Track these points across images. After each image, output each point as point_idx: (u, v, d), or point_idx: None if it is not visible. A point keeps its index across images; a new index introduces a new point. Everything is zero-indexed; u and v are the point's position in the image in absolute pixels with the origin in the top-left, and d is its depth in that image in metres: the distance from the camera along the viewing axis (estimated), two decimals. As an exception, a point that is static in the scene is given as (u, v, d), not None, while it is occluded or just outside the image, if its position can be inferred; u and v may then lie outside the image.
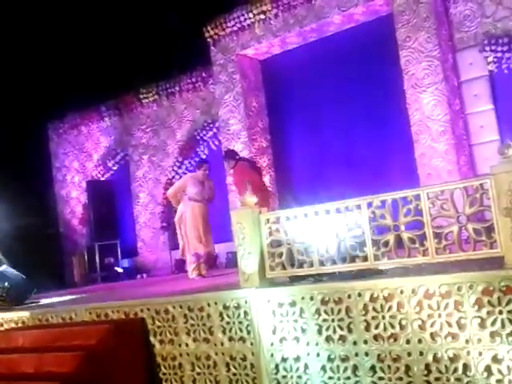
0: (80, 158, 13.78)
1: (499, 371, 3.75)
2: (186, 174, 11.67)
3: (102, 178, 13.30)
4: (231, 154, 8.06)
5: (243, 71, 10.75)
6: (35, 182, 13.11)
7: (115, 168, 13.17)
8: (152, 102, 12.36)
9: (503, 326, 3.73)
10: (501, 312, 3.74)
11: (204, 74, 11.58)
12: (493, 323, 3.77)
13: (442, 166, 8.39)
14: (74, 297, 7.91)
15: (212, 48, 10.96)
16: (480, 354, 3.81)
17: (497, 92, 8.48)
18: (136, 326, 5.46)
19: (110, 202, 12.51)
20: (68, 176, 13.97)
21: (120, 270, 11.91)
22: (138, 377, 5.33)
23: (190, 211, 7.88)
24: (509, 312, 3.71)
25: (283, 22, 10.05)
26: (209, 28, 10.86)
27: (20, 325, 6.44)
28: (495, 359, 3.76)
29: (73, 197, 13.81)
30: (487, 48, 8.38)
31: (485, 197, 3.97)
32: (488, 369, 3.78)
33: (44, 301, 7.64)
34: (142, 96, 12.45)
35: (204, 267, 7.91)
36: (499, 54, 8.28)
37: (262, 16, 10.25)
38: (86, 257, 12.34)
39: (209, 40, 10.94)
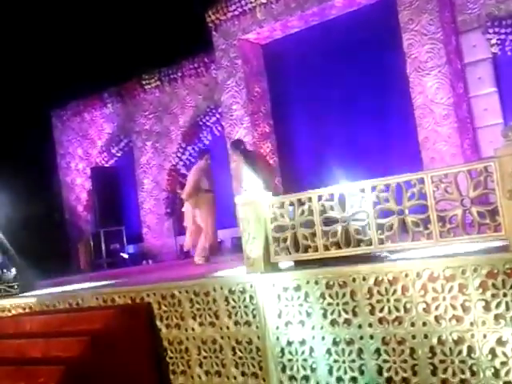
0: (84, 145, 13.79)
1: (504, 354, 3.76)
2: (189, 160, 11.73)
3: (106, 165, 13.32)
4: (235, 145, 8.03)
5: (245, 56, 10.70)
6: (40, 170, 13.14)
7: (119, 154, 13.18)
8: (154, 88, 12.32)
9: (508, 308, 3.74)
10: (505, 295, 3.75)
11: (206, 60, 11.53)
12: (497, 306, 3.78)
13: (446, 149, 8.36)
14: (80, 283, 7.95)
15: (214, 33, 10.90)
16: (484, 336, 3.83)
17: (500, 74, 8.42)
18: (142, 310, 5.50)
19: (114, 188, 12.54)
20: (72, 163, 13.98)
21: (126, 255, 11.97)
22: (144, 361, 5.39)
23: (206, 202, 7.95)
24: (513, 294, 3.73)
25: (284, 5, 9.97)
26: (210, 13, 10.79)
27: (27, 310, 6.50)
28: (500, 342, 3.78)
29: (77, 183, 13.85)
30: (490, 30, 8.31)
31: (489, 180, 3.96)
32: (492, 351, 3.80)
33: (50, 287, 7.69)
34: (144, 82, 12.41)
35: (210, 254, 8.02)
36: (502, 36, 8.21)
37: (264, 0, 10.17)
38: (91, 243, 12.39)
39: (210, 25, 10.88)
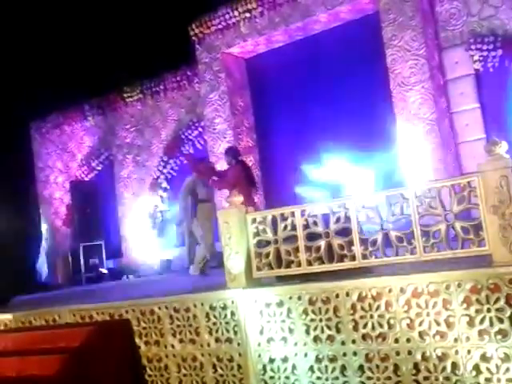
0: (63, 158, 13.61)
1: (488, 370, 3.74)
2: (170, 173, 11.64)
3: (86, 179, 13.15)
4: (234, 153, 7.89)
5: (228, 70, 10.69)
6: (17, 183, 12.89)
7: (99, 168, 13.02)
8: (136, 101, 12.24)
9: (491, 324, 3.72)
10: (489, 310, 3.73)
11: (189, 73, 11.49)
12: (481, 321, 3.76)
13: (428, 164, 8.39)
14: (57, 298, 7.78)
15: (197, 46, 10.88)
16: (468, 352, 3.80)
17: (482, 90, 8.50)
18: (121, 327, 5.39)
19: (94, 202, 12.36)
20: (51, 176, 13.79)
21: (105, 271, 11.77)
22: (123, 379, 5.25)
23: (203, 212, 7.85)
24: (497, 310, 3.71)
25: (268, 20, 10.00)
26: (194, 26, 10.79)
27: (2, 327, 6.32)
28: (484, 358, 3.75)
29: (56, 197, 13.64)
30: (473, 46, 8.40)
31: (472, 195, 3.96)
32: (477, 367, 3.77)
33: (26, 303, 7.52)
34: (126, 95, 12.32)
35: (208, 266, 7.89)
36: (485, 53, 8.29)
37: (248, 14, 10.19)
38: (70, 258, 12.17)
39: (194, 38, 10.87)
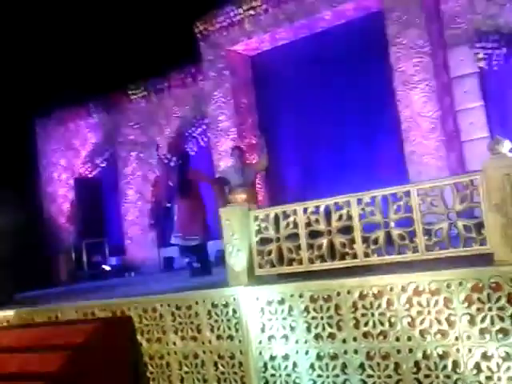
0: (67, 155, 13.63)
1: (489, 368, 3.73)
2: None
3: (90, 175, 13.17)
4: (179, 154, 7.60)
5: (233, 67, 10.67)
6: (21, 180, 12.93)
7: (103, 165, 13.03)
8: (141, 98, 12.22)
9: (492, 322, 3.71)
10: (490, 309, 3.73)
11: (193, 70, 11.46)
12: (482, 320, 3.75)
13: (432, 162, 8.36)
14: (60, 295, 7.80)
15: (201, 44, 10.86)
16: (469, 351, 3.79)
17: (487, 89, 8.45)
18: (123, 324, 5.41)
19: (97, 199, 12.37)
20: (55, 173, 13.80)
21: (107, 268, 11.79)
22: (124, 376, 5.28)
23: None
24: (498, 309, 3.70)
25: (273, 17, 9.97)
26: (198, 24, 10.77)
27: (5, 324, 6.35)
28: (485, 356, 3.75)
29: (60, 194, 13.64)
30: (477, 45, 8.34)
31: (475, 193, 3.95)
32: (477, 366, 3.77)
33: (30, 299, 7.54)
34: (130, 92, 12.31)
35: None
36: (489, 51, 8.24)
37: (252, 12, 10.17)
38: (73, 255, 12.20)
39: (198, 36, 10.85)
